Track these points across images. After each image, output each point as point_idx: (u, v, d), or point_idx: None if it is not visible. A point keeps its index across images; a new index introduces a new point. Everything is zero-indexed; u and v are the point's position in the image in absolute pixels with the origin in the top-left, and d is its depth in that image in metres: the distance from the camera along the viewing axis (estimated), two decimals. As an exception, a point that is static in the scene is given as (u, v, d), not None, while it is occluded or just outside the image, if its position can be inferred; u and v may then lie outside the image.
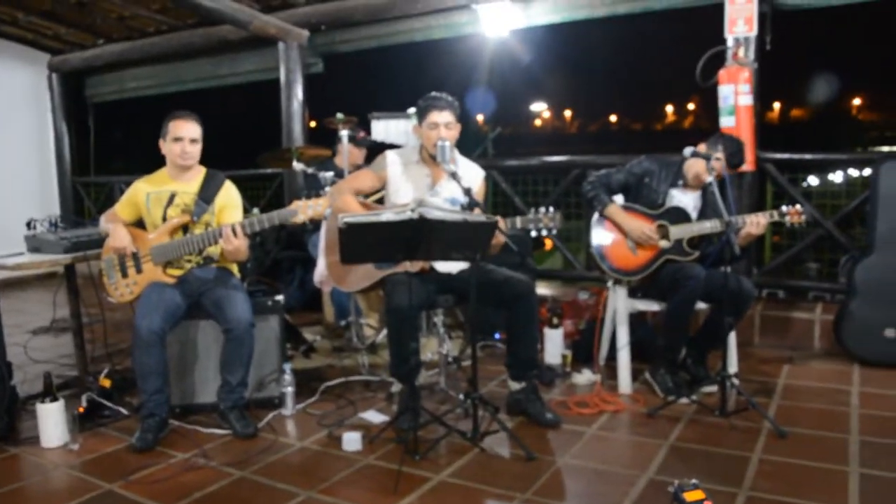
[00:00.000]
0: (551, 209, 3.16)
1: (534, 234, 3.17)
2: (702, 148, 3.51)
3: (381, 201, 3.62)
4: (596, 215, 3.65)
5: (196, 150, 3.26)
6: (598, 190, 3.64)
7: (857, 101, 27.31)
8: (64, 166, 8.31)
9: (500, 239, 2.96)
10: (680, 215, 3.55)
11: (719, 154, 3.43)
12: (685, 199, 3.65)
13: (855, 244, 4.46)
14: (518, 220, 3.18)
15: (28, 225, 3.80)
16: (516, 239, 3.22)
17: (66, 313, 3.93)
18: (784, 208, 3.45)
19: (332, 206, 3.14)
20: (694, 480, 2.18)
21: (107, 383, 3.54)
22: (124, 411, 3.42)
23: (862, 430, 3.00)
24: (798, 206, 3.46)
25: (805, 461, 2.72)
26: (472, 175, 3.40)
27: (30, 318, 5.79)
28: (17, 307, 6.32)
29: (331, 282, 3.47)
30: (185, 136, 3.22)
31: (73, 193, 8.36)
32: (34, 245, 3.62)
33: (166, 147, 3.26)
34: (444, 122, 3.19)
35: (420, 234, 2.68)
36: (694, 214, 3.61)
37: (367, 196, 3.60)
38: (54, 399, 3.06)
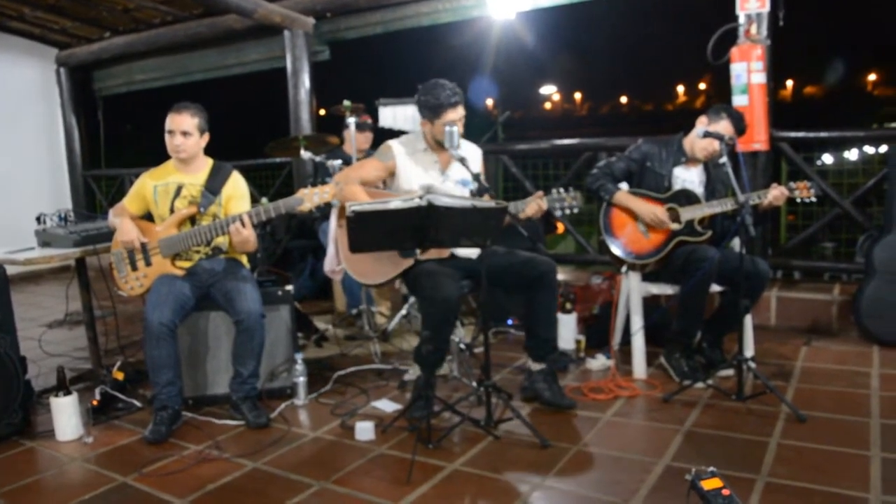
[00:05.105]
0: (570, 188, 3.15)
1: (558, 213, 3.14)
2: (703, 121, 3.50)
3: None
4: (603, 208, 3.60)
5: (189, 142, 3.23)
6: (603, 180, 3.60)
7: (871, 77, 26.92)
8: (74, 160, 8.33)
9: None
10: (689, 198, 3.51)
11: (731, 130, 3.40)
12: (689, 175, 3.62)
13: (873, 223, 4.38)
14: (545, 200, 3.16)
15: (38, 219, 3.80)
16: (527, 223, 3.19)
17: (80, 306, 3.93)
18: (792, 184, 3.43)
19: (337, 196, 3.09)
20: (711, 468, 2.14)
21: (120, 376, 3.55)
22: (137, 404, 3.42)
23: (883, 413, 2.95)
24: (805, 181, 3.46)
25: (825, 446, 2.67)
26: (473, 155, 3.37)
27: (44, 311, 5.82)
28: (32, 301, 6.37)
29: (341, 273, 3.44)
30: (175, 129, 3.21)
31: (84, 187, 8.39)
32: (44, 239, 3.62)
33: (166, 140, 3.26)
34: (459, 117, 3.14)
35: (429, 222, 2.64)
36: (700, 189, 3.58)
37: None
38: (68, 393, 3.07)
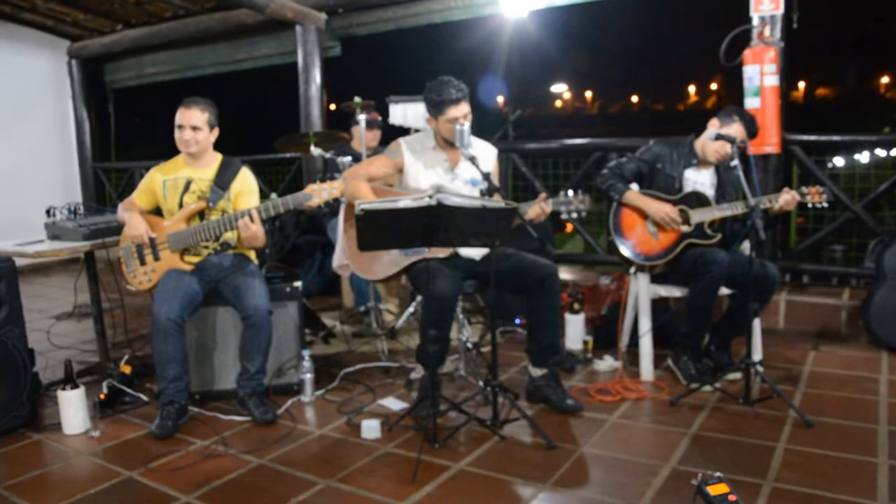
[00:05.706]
0: (579, 192, 3.13)
1: (564, 216, 3.13)
2: (715, 123, 3.47)
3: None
4: (613, 208, 3.59)
5: (199, 137, 3.23)
6: (613, 180, 3.59)
7: (884, 80, 26.69)
8: (85, 152, 8.37)
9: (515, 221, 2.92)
10: (700, 200, 3.49)
11: (743, 133, 3.37)
12: (700, 177, 3.60)
13: (884, 228, 4.35)
14: (549, 203, 3.15)
15: (48, 212, 3.81)
16: (535, 224, 3.18)
17: (88, 299, 3.94)
18: (804, 188, 3.40)
19: (344, 192, 3.09)
20: (718, 474, 2.13)
21: (127, 370, 3.57)
22: (144, 398, 3.43)
23: (891, 420, 2.93)
24: (818, 186, 3.42)
25: (832, 452, 2.66)
26: (487, 154, 3.36)
27: (53, 303, 5.85)
28: (41, 293, 6.40)
29: (349, 269, 3.44)
30: (184, 123, 3.21)
31: (94, 179, 8.42)
32: (54, 232, 3.63)
33: (175, 134, 3.26)
34: (462, 114, 3.13)
35: (438, 221, 2.64)
36: (711, 192, 3.56)
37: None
38: (75, 386, 3.08)
